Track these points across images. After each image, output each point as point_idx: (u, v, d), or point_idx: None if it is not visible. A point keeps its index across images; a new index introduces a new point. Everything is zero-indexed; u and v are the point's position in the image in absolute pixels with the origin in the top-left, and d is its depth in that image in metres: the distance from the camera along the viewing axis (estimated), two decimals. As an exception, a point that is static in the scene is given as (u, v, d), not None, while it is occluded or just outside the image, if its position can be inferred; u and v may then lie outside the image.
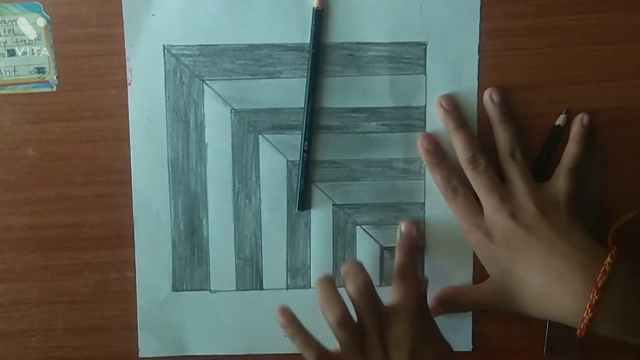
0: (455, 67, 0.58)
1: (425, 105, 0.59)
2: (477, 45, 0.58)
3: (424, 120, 0.59)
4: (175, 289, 0.60)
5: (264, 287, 0.60)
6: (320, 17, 0.57)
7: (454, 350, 0.58)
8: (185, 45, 0.58)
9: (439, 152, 0.58)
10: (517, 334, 0.61)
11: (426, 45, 0.58)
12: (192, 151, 0.59)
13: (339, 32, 0.58)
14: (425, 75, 0.59)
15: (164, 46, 0.58)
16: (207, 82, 0.58)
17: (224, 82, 0.58)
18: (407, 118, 0.59)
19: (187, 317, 0.60)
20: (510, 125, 0.57)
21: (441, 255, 0.61)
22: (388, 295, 0.59)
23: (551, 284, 0.54)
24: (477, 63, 0.58)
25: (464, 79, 0.58)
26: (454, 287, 0.60)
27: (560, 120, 0.58)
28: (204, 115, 0.59)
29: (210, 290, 0.60)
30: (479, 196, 0.57)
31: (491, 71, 0.58)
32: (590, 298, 0.52)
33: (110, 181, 0.59)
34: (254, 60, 0.58)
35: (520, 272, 0.55)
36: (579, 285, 0.53)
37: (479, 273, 0.60)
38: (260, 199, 0.60)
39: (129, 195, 0.59)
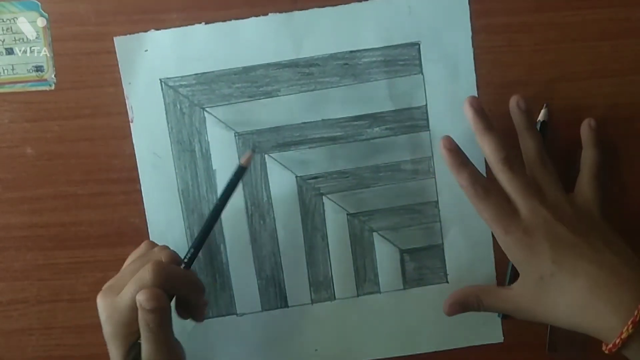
0: (451, 63, 0.58)
1: (426, 104, 0.59)
2: (471, 39, 0.58)
3: (427, 120, 0.59)
4: (202, 317, 0.60)
5: (289, 305, 0.61)
6: (242, 174, 0.56)
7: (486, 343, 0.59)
8: (182, 76, 0.58)
9: (460, 151, 0.55)
10: (517, 329, 0.61)
11: (419, 44, 0.58)
12: (201, 179, 0.59)
13: (331, 43, 0.58)
14: (422, 74, 0.59)
15: (160, 80, 0.58)
16: (207, 109, 0.59)
17: (224, 108, 0.59)
18: (410, 119, 0.59)
19: (216, 342, 0.61)
20: (537, 133, 0.56)
21: (461, 251, 0.60)
22: (412, 298, 0.60)
23: (596, 294, 0.50)
24: (472, 57, 0.58)
25: (461, 74, 0.58)
26: (477, 286, 0.57)
27: (542, 116, 0.58)
28: (208, 142, 0.59)
29: (237, 314, 0.61)
30: (515, 198, 0.53)
31: (489, 67, 0.58)
32: (635, 314, 0.49)
33: (109, 179, 0.59)
34: (251, 82, 0.58)
35: (564, 276, 0.51)
36: (626, 300, 0.50)
37: (501, 265, 0.59)
38: (274, 218, 0.60)
39: (127, 193, 0.59)
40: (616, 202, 0.59)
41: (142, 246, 0.57)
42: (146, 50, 0.58)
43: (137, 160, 0.59)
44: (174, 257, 0.54)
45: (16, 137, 0.59)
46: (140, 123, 0.59)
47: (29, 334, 0.61)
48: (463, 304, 0.55)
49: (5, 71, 0.58)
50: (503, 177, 0.54)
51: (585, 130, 0.57)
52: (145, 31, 0.58)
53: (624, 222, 0.59)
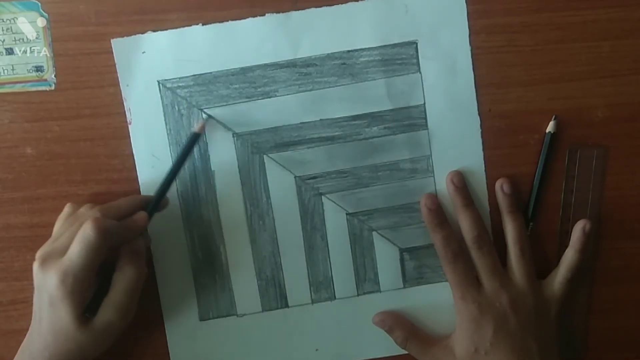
0: (448, 61, 0.58)
1: (424, 103, 0.59)
2: (467, 36, 0.58)
3: (425, 118, 0.59)
4: (202, 318, 0.60)
5: (289, 305, 0.61)
6: (196, 140, 0.58)
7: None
8: (179, 78, 0.58)
9: (441, 212, 0.59)
10: None
11: (417, 43, 0.58)
12: (200, 181, 0.59)
13: (328, 43, 0.58)
14: (420, 73, 0.59)
15: (158, 81, 0.58)
16: (205, 110, 0.59)
17: (222, 108, 0.59)
18: (408, 118, 0.59)
19: (218, 343, 0.61)
20: (519, 216, 0.58)
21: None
22: (412, 297, 0.60)
23: None
24: (470, 55, 0.58)
25: (459, 72, 0.58)
26: (414, 327, 0.60)
27: (550, 127, 0.58)
28: (206, 143, 0.59)
29: (237, 315, 0.61)
30: (480, 274, 0.58)
31: (489, 68, 0.58)
32: None
33: (109, 179, 0.59)
34: (248, 82, 0.58)
35: (494, 358, 0.56)
36: None
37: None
38: (273, 218, 0.60)
39: (127, 193, 0.59)
40: (616, 203, 0.60)
41: (66, 209, 0.57)
42: (144, 52, 0.58)
43: (136, 162, 0.59)
44: (105, 211, 0.54)
45: (16, 137, 0.59)
46: (139, 125, 0.59)
47: (29, 334, 0.61)
48: (390, 329, 0.60)
49: (5, 71, 0.58)
50: (473, 253, 0.58)
51: (577, 232, 0.58)
52: (143, 33, 0.58)
53: (624, 222, 0.60)
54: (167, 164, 0.59)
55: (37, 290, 0.53)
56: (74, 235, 0.52)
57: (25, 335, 0.56)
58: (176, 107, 0.59)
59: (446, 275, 0.58)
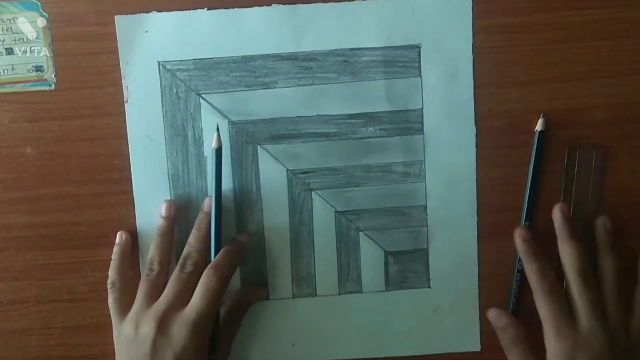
0: (450, 67, 0.58)
1: (422, 108, 0.59)
2: (471, 44, 0.58)
3: (422, 123, 0.59)
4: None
5: (270, 298, 0.60)
6: (220, 155, 0.58)
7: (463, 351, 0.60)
8: (180, 60, 0.58)
9: (535, 243, 0.57)
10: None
11: (420, 47, 0.58)
12: (192, 165, 0.59)
13: (332, 39, 0.58)
14: (421, 77, 0.59)
15: (158, 62, 0.58)
16: (203, 95, 0.59)
17: (220, 95, 0.59)
18: (405, 121, 0.59)
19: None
20: (618, 254, 0.57)
21: (445, 257, 0.60)
22: (393, 301, 0.60)
23: None
24: (471, 62, 0.58)
25: (459, 79, 0.58)
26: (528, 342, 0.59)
27: (539, 126, 0.58)
28: (202, 128, 0.59)
29: (219, 304, 0.60)
30: (580, 310, 0.55)
31: (489, 68, 0.58)
32: None
33: (109, 179, 0.59)
34: (249, 71, 0.58)
35: None
36: None
37: (485, 272, 0.60)
38: (262, 209, 0.60)
39: (127, 193, 0.59)
40: (616, 203, 0.60)
41: (157, 235, 0.58)
42: (146, 32, 0.58)
43: (129, 141, 0.59)
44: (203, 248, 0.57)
45: (16, 137, 0.59)
46: (135, 104, 0.58)
47: (29, 334, 0.61)
48: (504, 327, 0.59)
49: (6, 71, 0.58)
50: (575, 287, 0.55)
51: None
52: (147, 12, 0.58)
53: (623, 223, 0.60)
54: (160, 145, 0.59)
55: (152, 353, 0.52)
56: (188, 286, 0.54)
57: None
58: (174, 89, 0.58)
59: (539, 309, 0.56)
